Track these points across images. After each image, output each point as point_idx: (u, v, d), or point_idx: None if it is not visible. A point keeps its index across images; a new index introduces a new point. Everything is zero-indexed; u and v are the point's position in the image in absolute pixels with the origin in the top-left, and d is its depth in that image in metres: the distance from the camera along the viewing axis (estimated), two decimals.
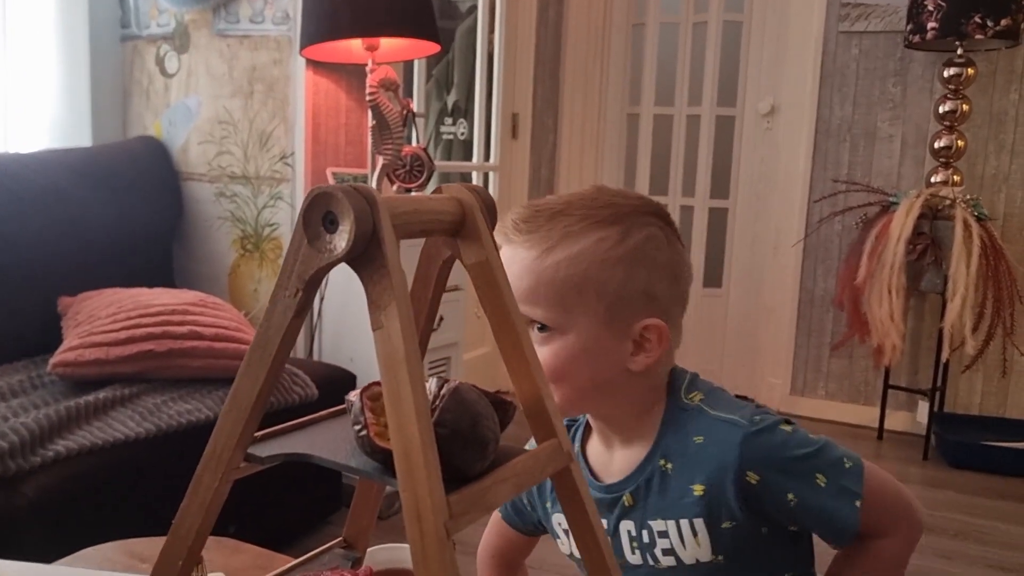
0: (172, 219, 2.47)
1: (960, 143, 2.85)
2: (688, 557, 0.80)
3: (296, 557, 0.62)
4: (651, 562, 0.82)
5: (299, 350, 2.26)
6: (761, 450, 0.76)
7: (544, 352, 0.78)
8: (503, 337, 0.49)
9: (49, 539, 1.25)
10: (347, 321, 2.22)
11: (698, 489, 0.78)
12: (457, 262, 0.51)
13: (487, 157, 3.35)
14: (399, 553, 0.66)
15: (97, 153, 2.30)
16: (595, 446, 0.88)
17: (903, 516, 0.81)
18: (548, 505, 0.90)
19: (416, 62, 2.92)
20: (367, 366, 2.14)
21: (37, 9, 2.24)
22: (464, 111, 3.63)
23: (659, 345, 0.79)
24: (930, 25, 2.76)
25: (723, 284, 3.63)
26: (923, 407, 3.05)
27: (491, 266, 0.48)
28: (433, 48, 2.17)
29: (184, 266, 2.50)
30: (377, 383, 0.45)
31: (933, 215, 2.78)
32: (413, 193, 2.24)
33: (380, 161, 2.13)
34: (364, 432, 0.44)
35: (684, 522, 0.79)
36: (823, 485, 0.77)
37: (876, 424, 3.10)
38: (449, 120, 3.70)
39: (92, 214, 2.11)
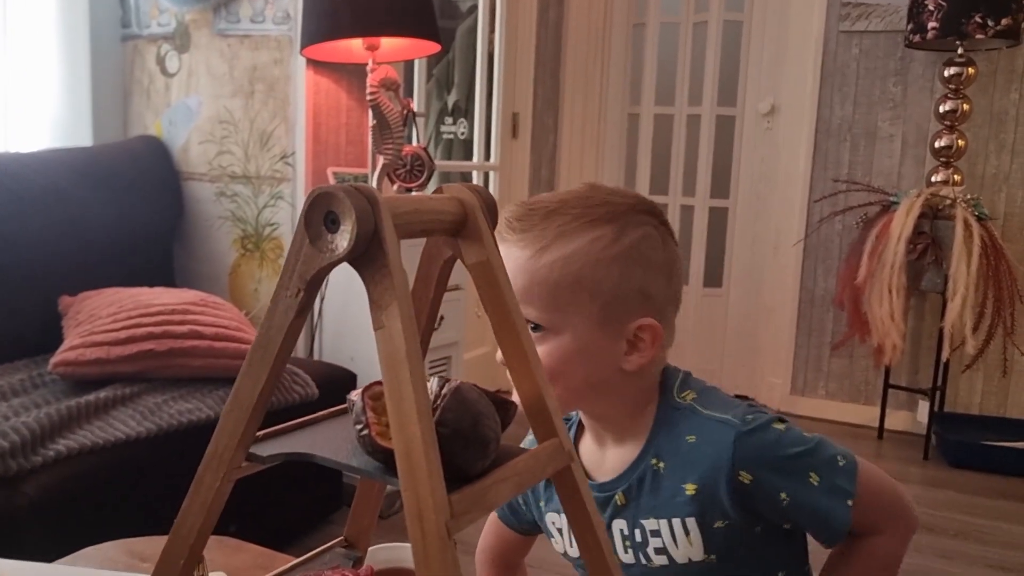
0: (173, 219, 2.47)
1: (960, 143, 2.85)
2: (680, 556, 0.80)
3: (297, 556, 0.62)
4: (644, 561, 0.82)
5: (300, 350, 2.26)
6: (754, 449, 0.76)
7: (538, 352, 0.78)
8: (504, 337, 0.49)
9: (50, 538, 1.25)
10: (348, 321, 2.22)
11: (690, 488, 0.78)
12: (458, 262, 0.51)
13: (487, 157, 3.35)
14: (400, 552, 0.66)
15: (98, 153, 2.30)
16: (588, 445, 0.88)
17: (897, 514, 0.81)
18: (542, 504, 0.90)
19: (416, 62, 2.92)
20: (367, 366, 2.14)
21: (38, 9, 2.24)
22: (464, 111, 3.63)
23: (653, 345, 0.79)
24: (931, 25, 2.76)
25: (723, 284, 3.63)
26: (923, 407, 3.06)
27: (492, 266, 0.48)
28: (433, 48, 2.17)
29: (185, 266, 2.50)
30: (378, 382, 0.45)
31: (933, 215, 2.78)
32: (414, 193, 2.24)
33: (381, 161, 2.13)
34: (366, 431, 0.44)
35: (676, 521, 0.79)
36: (816, 484, 0.76)
37: (876, 424, 3.10)
38: (449, 120, 3.70)
39: (93, 214, 2.12)
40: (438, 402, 0.44)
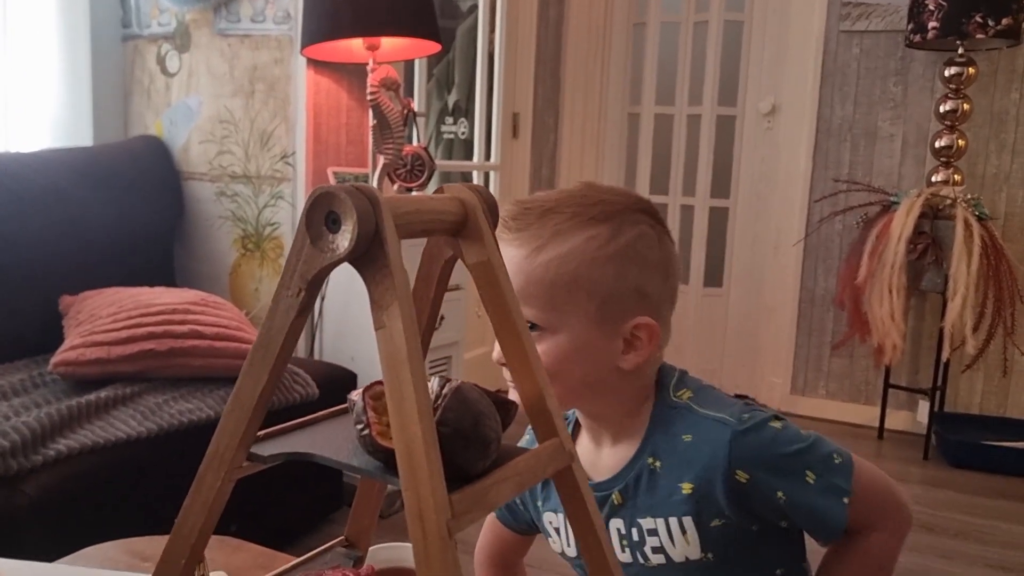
0: (173, 218, 2.47)
1: (961, 143, 2.85)
2: (677, 555, 0.80)
3: (298, 556, 0.62)
4: (641, 560, 0.82)
5: (300, 349, 2.26)
6: (750, 448, 0.76)
7: None
8: (504, 336, 0.49)
9: (50, 538, 1.25)
10: (348, 320, 2.22)
11: (687, 487, 0.78)
12: (459, 262, 0.51)
13: (488, 156, 3.36)
14: (401, 552, 0.66)
15: (98, 152, 2.30)
16: (584, 444, 0.88)
17: (891, 510, 0.81)
18: (539, 503, 0.90)
19: (417, 61, 2.92)
20: (368, 365, 2.14)
21: (38, 8, 2.24)
22: (465, 110, 3.63)
23: (649, 343, 0.79)
24: (931, 24, 2.76)
25: (724, 284, 3.63)
26: (923, 406, 3.06)
27: (492, 266, 0.48)
28: (434, 48, 2.17)
29: (185, 265, 2.50)
30: (379, 382, 0.45)
31: (934, 214, 2.78)
32: (414, 193, 2.24)
33: (381, 160, 2.13)
34: (366, 431, 0.44)
35: (673, 520, 0.79)
36: (812, 482, 0.76)
37: (876, 423, 3.10)
38: (450, 119, 3.70)
39: (93, 213, 2.12)
40: (439, 402, 0.44)
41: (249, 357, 0.45)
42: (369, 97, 2.06)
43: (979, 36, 2.71)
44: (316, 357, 2.28)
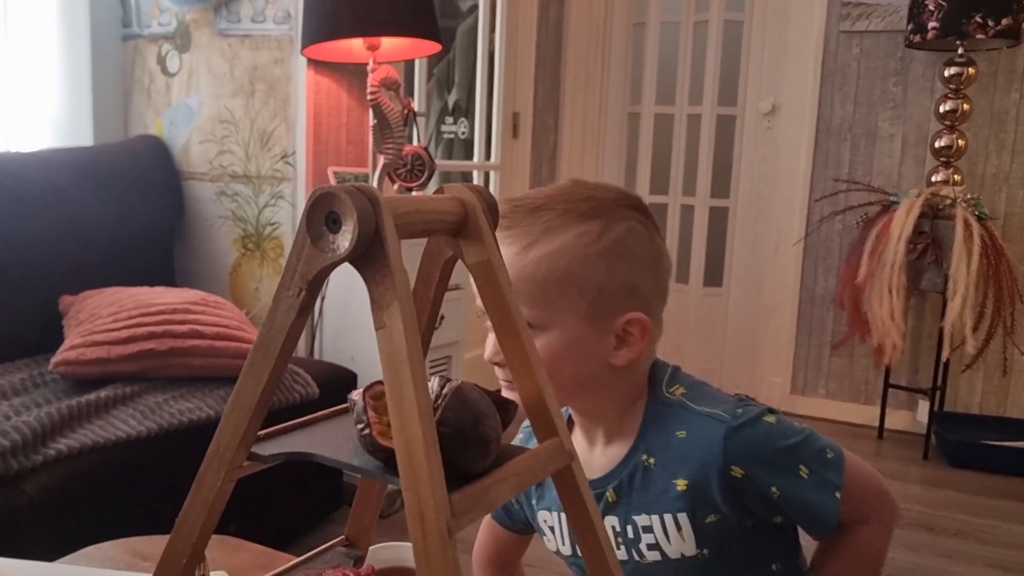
0: (173, 218, 2.47)
1: (961, 142, 2.85)
2: (673, 552, 0.80)
3: (298, 555, 0.62)
4: (636, 557, 0.82)
5: (300, 349, 2.26)
6: (745, 444, 0.76)
7: None
8: (504, 336, 0.49)
9: (51, 537, 1.25)
10: (348, 320, 2.22)
11: (681, 484, 0.78)
12: (459, 261, 0.51)
13: (488, 156, 3.36)
14: (401, 552, 0.66)
15: (98, 152, 2.30)
16: (577, 442, 0.88)
17: (879, 504, 0.82)
18: (533, 502, 0.91)
19: (417, 61, 2.92)
20: (368, 365, 2.14)
21: (38, 8, 2.24)
22: (465, 110, 3.63)
23: (642, 339, 0.79)
24: (931, 25, 2.76)
25: (724, 283, 3.63)
26: (923, 406, 3.06)
27: (492, 266, 0.48)
28: (434, 47, 2.17)
29: (185, 265, 2.50)
30: (379, 382, 0.45)
31: (934, 214, 2.78)
32: (414, 192, 2.24)
33: (381, 160, 2.13)
34: (367, 431, 0.45)
35: (668, 516, 0.79)
36: (806, 477, 0.77)
37: (876, 423, 3.10)
38: (450, 119, 3.70)
39: (93, 213, 2.12)
40: (439, 401, 0.44)
41: (249, 357, 0.45)
42: (369, 97, 2.06)
43: (979, 36, 2.71)
44: (316, 357, 2.28)
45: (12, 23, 2.22)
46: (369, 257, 0.41)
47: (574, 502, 0.51)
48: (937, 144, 2.88)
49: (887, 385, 3.07)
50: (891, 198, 2.92)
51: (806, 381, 3.36)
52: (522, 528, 0.97)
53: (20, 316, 1.93)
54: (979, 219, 2.71)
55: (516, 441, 0.88)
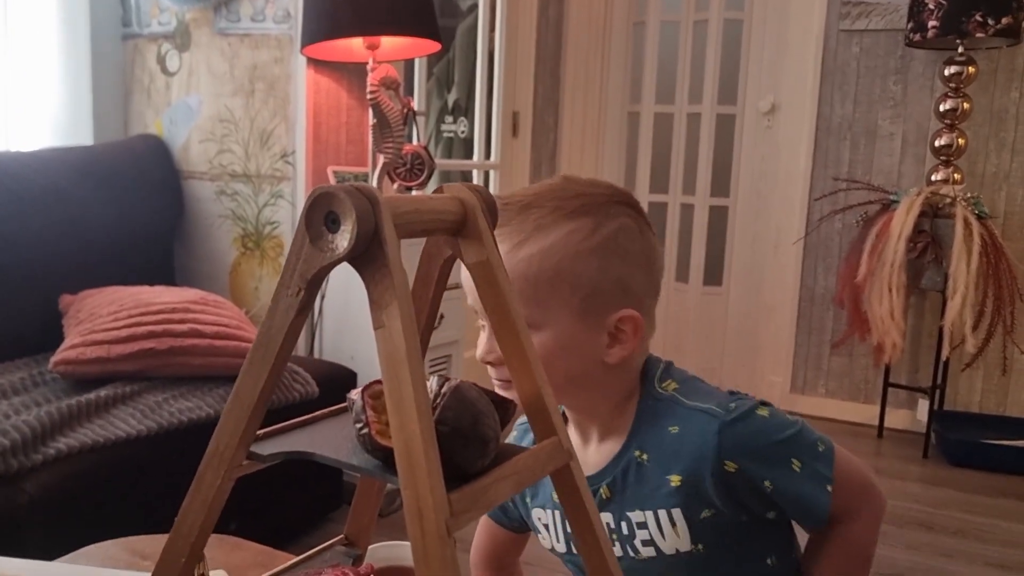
0: (173, 217, 2.47)
1: (961, 141, 2.85)
2: (668, 547, 0.80)
3: (297, 554, 0.62)
4: (631, 553, 0.82)
5: (300, 348, 2.26)
6: (739, 439, 0.76)
7: None
8: (503, 336, 0.49)
9: (50, 536, 1.25)
10: (348, 320, 2.22)
11: (675, 480, 0.78)
12: (458, 261, 0.51)
13: (488, 155, 3.35)
14: (400, 551, 0.66)
15: (98, 152, 2.30)
16: (571, 439, 0.88)
17: (868, 497, 0.82)
18: (528, 500, 0.91)
19: (417, 60, 2.92)
20: (367, 364, 2.14)
21: (38, 8, 2.24)
22: (465, 109, 3.63)
23: (634, 336, 0.79)
24: (931, 23, 2.76)
25: (723, 282, 3.63)
26: (923, 405, 3.06)
27: (492, 265, 0.48)
28: (434, 47, 2.17)
29: (185, 264, 2.50)
30: (378, 381, 0.45)
31: (934, 213, 2.78)
32: (414, 192, 2.24)
33: (381, 159, 2.13)
34: (366, 430, 0.45)
35: (662, 512, 0.79)
36: (798, 470, 0.77)
37: (876, 422, 3.10)
38: (450, 118, 3.70)
39: (93, 213, 2.12)
40: (438, 401, 0.44)
41: (249, 356, 0.45)
42: (369, 96, 2.06)
43: (979, 35, 2.71)
44: (316, 356, 2.28)
45: (12, 23, 2.22)
46: (368, 257, 0.41)
47: (573, 501, 0.51)
48: (937, 143, 2.88)
49: (887, 384, 3.07)
50: (891, 197, 2.92)
51: (806, 380, 3.36)
52: (519, 526, 0.97)
53: (20, 315, 1.93)
54: (979, 218, 2.71)
55: (509, 439, 0.88)
